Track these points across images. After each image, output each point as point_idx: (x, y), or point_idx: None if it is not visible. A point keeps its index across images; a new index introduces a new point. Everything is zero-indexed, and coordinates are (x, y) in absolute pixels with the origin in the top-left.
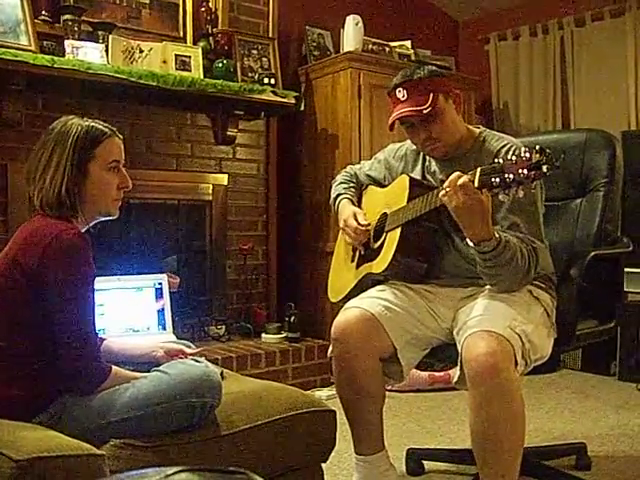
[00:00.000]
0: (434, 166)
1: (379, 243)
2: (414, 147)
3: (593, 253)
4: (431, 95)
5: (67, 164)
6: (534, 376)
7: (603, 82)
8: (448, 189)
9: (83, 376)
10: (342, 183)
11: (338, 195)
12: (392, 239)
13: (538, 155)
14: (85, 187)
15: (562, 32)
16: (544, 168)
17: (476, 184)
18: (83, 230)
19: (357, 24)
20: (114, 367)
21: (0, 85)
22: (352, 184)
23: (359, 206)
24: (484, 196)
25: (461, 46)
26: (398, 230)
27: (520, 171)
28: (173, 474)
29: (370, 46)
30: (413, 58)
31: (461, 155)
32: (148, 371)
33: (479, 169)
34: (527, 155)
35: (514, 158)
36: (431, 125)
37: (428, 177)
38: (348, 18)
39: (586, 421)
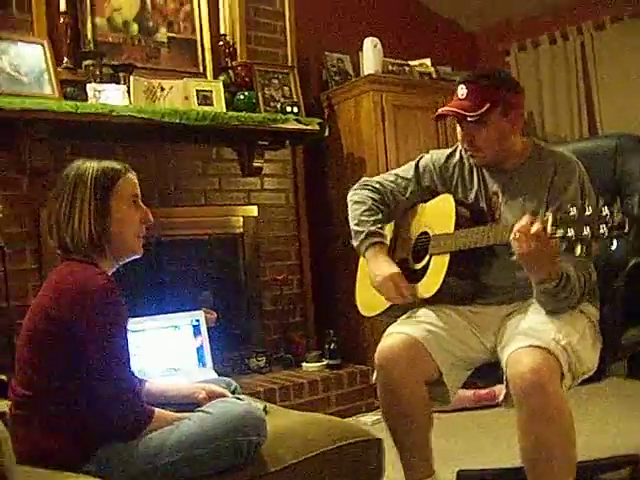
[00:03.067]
0: (487, 176)
1: (422, 265)
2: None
3: (634, 261)
4: (486, 105)
5: (91, 205)
6: (579, 387)
7: (627, 84)
8: (518, 235)
9: (126, 421)
10: (366, 210)
11: (367, 236)
12: (440, 264)
13: (620, 215)
14: (110, 226)
15: (582, 37)
16: (626, 228)
17: (549, 232)
18: (110, 273)
19: (375, 46)
20: (157, 409)
21: (28, 134)
22: (381, 215)
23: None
24: (554, 242)
25: (481, 59)
26: (447, 256)
27: (600, 227)
28: None
29: (390, 67)
30: (434, 76)
31: (515, 169)
32: (191, 411)
33: (551, 216)
34: (608, 212)
35: (592, 213)
36: (477, 131)
37: (486, 187)
38: (366, 41)
39: (637, 430)
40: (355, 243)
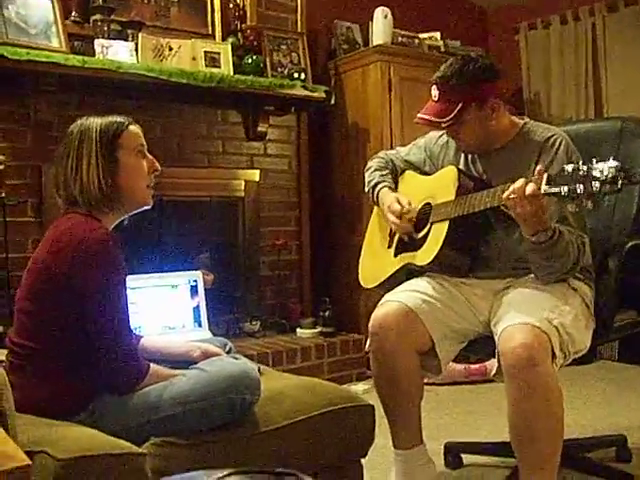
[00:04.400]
0: (475, 157)
1: (423, 234)
2: None
3: (631, 243)
4: (459, 105)
5: (98, 157)
6: (570, 368)
7: (636, 68)
8: (514, 196)
9: (122, 374)
10: (377, 170)
11: (377, 184)
12: (439, 232)
13: (613, 170)
14: (119, 177)
15: (594, 19)
16: (619, 184)
17: (543, 191)
18: (116, 224)
19: (386, 17)
20: (152, 365)
21: (33, 87)
22: (388, 170)
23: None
24: (547, 198)
25: (491, 36)
26: (446, 223)
27: (592, 184)
28: (224, 477)
29: (399, 38)
30: (442, 49)
31: (501, 148)
32: (186, 368)
33: (546, 175)
34: (600, 167)
35: (585, 168)
36: (454, 131)
37: (471, 167)
38: (377, 11)
39: (625, 412)
40: (369, 194)
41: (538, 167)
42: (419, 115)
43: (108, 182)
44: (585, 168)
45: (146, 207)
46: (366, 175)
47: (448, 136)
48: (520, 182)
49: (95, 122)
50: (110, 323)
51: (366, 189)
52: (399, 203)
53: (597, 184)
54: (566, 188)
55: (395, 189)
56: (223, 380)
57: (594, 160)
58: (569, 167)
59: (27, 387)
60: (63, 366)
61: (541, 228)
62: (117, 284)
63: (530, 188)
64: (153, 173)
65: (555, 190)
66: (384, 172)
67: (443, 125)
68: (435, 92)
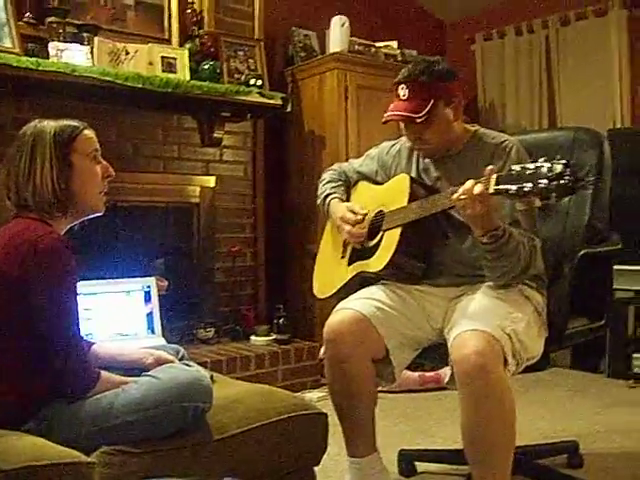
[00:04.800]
0: (428, 164)
1: (375, 241)
2: (409, 144)
3: (583, 251)
4: (430, 102)
5: (52, 161)
6: (523, 375)
7: (588, 80)
8: (464, 197)
9: (71, 380)
10: (330, 182)
11: (327, 195)
12: (392, 238)
13: (560, 167)
14: (72, 181)
15: (547, 31)
16: (566, 180)
17: (491, 190)
18: (67, 229)
19: (343, 25)
20: (103, 372)
21: None
22: (340, 182)
23: (347, 200)
24: (495, 197)
25: (448, 46)
26: (398, 230)
27: (539, 181)
28: None
29: (356, 47)
30: (399, 58)
31: (455, 154)
32: (138, 375)
33: (495, 176)
34: (547, 165)
35: (533, 167)
36: (423, 129)
37: (423, 175)
38: (334, 19)
39: (577, 419)
40: (321, 206)
41: (489, 167)
42: (390, 113)
43: (62, 186)
44: (533, 167)
45: (98, 214)
46: (319, 187)
47: (409, 139)
48: (469, 183)
49: (49, 125)
50: (60, 329)
51: (318, 201)
52: (352, 212)
53: (545, 181)
54: (515, 187)
55: (347, 200)
56: (175, 388)
57: (541, 159)
58: (517, 167)
59: None
60: (11, 373)
61: (491, 228)
62: (68, 289)
63: (479, 188)
64: (107, 179)
65: (503, 188)
66: (336, 184)
67: (418, 120)
68: (404, 91)
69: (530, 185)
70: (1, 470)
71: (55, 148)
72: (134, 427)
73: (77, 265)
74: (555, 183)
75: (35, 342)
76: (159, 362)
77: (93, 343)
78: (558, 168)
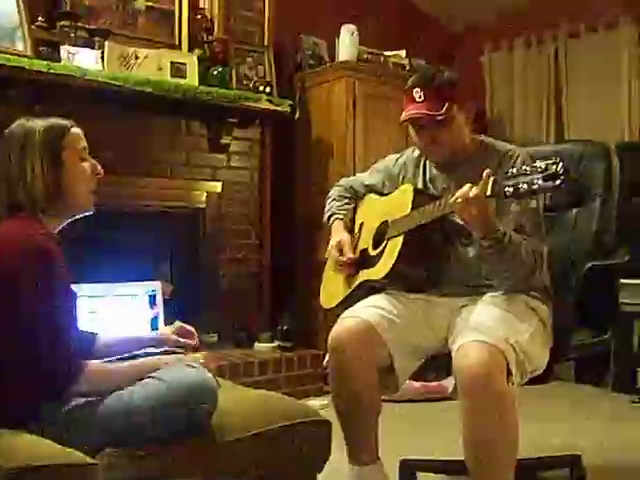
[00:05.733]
0: (435, 173)
1: (379, 250)
2: (415, 155)
3: (590, 264)
4: (446, 104)
5: (42, 159)
6: (527, 387)
7: (597, 93)
8: (460, 200)
9: (54, 370)
10: (335, 200)
11: (331, 215)
12: (394, 246)
13: (555, 166)
14: (63, 179)
15: (556, 44)
16: (560, 179)
17: (488, 192)
18: (57, 230)
19: (352, 34)
20: (92, 362)
21: None
22: (346, 199)
23: (355, 214)
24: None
25: (456, 57)
26: (400, 238)
27: (535, 181)
28: None
29: (365, 55)
30: (408, 67)
31: (462, 161)
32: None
33: (492, 178)
34: (542, 165)
35: (528, 168)
36: (440, 131)
37: (429, 186)
38: (343, 27)
39: (580, 433)
40: (326, 223)
41: (486, 171)
42: (410, 112)
43: (53, 184)
44: (528, 168)
45: (87, 212)
46: (326, 204)
47: (421, 143)
48: (466, 186)
49: (37, 124)
50: (45, 327)
51: (324, 218)
52: (339, 251)
53: (540, 181)
54: (511, 189)
55: (354, 212)
56: (181, 389)
57: (538, 161)
58: (514, 169)
59: None
60: (10, 373)
61: (490, 230)
62: (54, 289)
63: (475, 191)
64: (96, 176)
65: (499, 190)
66: (340, 202)
67: (438, 118)
68: (419, 94)
69: (525, 186)
70: (3, 469)
71: (45, 147)
72: (141, 429)
73: (65, 265)
74: (550, 183)
75: (26, 343)
76: (180, 332)
77: (96, 334)
78: (553, 167)
